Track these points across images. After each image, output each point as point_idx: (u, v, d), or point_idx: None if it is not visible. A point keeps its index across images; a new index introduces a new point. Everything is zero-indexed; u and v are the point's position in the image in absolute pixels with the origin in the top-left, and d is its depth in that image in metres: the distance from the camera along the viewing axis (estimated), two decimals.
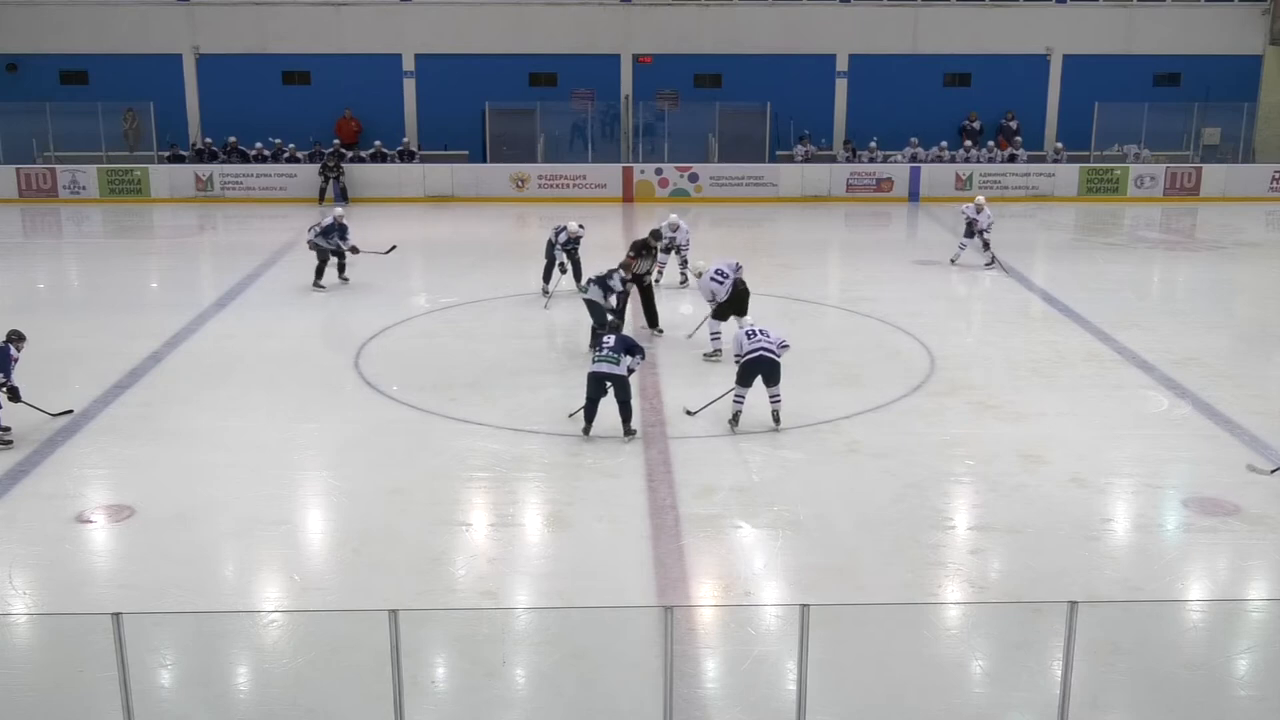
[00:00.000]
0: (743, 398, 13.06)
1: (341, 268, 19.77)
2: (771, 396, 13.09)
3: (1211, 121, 30.04)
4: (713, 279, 15.71)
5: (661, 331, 16.85)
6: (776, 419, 13.08)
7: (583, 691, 8.37)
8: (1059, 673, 7.41)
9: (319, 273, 19.59)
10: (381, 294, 19.39)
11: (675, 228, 19.51)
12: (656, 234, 17.95)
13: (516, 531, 11.07)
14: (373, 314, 17.83)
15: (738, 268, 15.89)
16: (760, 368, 12.99)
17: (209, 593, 9.76)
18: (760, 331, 13.18)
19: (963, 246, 21.38)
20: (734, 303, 15.52)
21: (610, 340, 12.80)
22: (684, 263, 19.39)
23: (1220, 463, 12.46)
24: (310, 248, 19.54)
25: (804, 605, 7.21)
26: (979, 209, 21.16)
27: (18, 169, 28.28)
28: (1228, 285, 21.65)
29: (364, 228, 26.32)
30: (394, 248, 20.72)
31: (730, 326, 14.64)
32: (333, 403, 14.26)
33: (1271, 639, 9.27)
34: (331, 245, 19.48)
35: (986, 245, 21.17)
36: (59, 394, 14.14)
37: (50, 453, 12.57)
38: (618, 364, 12.62)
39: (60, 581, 10.05)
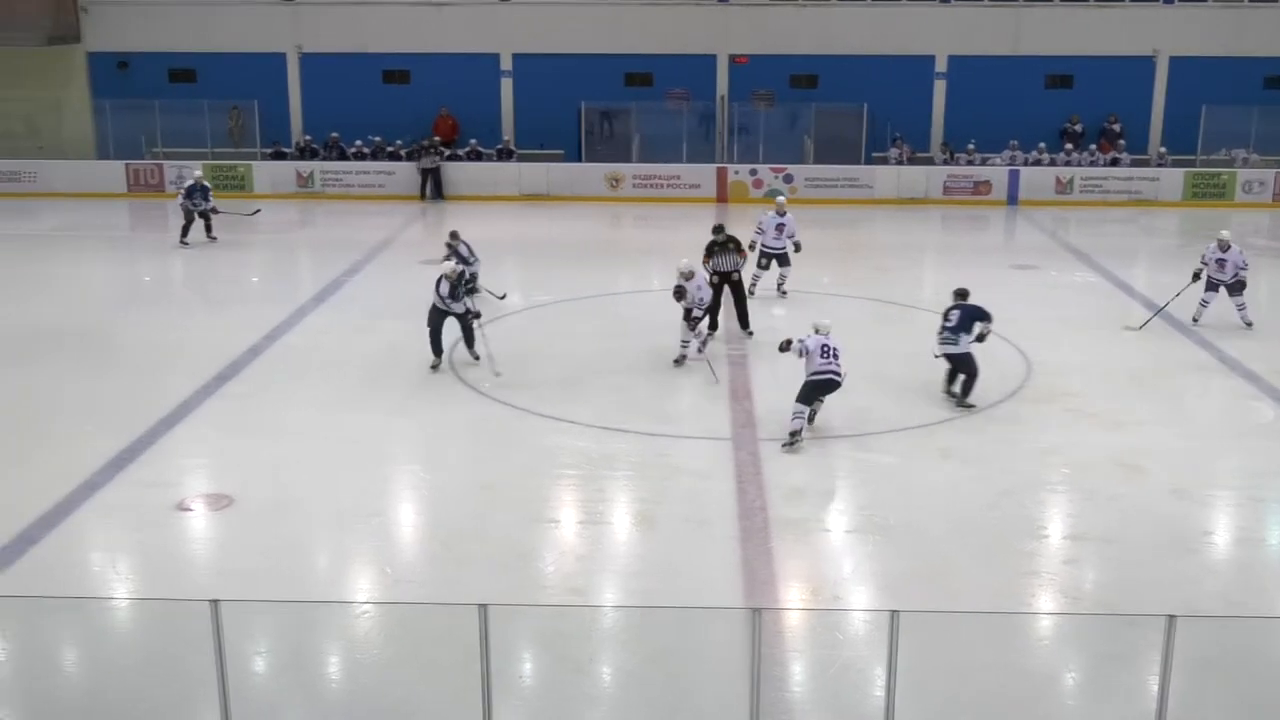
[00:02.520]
0: (803, 414, 12.72)
1: (208, 227, 22.61)
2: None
3: None
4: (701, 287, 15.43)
5: (752, 333, 16.78)
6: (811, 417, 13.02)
7: (668, 691, 8.37)
8: (1154, 688, 7.25)
9: (184, 230, 22.48)
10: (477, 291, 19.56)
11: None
12: (719, 228, 17.57)
13: (604, 529, 11.12)
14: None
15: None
16: (825, 390, 12.87)
17: (303, 582, 9.95)
18: (834, 352, 12.78)
19: (1205, 303, 17.43)
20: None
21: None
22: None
23: None
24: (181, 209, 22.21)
25: (894, 611, 7.14)
26: (1224, 247, 17.15)
27: (126, 164, 29.08)
28: None
29: (460, 225, 26.66)
30: (258, 210, 22.73)
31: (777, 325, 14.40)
32: (426, 398, 14.45)
33: None
34: (196, 206, 22.28)
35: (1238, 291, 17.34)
36: (159, 386, 14.54)
37: (152, 441, 12.90)
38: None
39: (160, 568, 10.32)
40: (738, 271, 16.99)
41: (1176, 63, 29.73)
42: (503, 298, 18.04)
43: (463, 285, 15.53)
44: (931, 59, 29.98)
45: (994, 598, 9.69)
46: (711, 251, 16.90)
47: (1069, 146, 29.17)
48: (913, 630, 7.33)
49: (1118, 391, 14.63)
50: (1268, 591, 10.00)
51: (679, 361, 15.41)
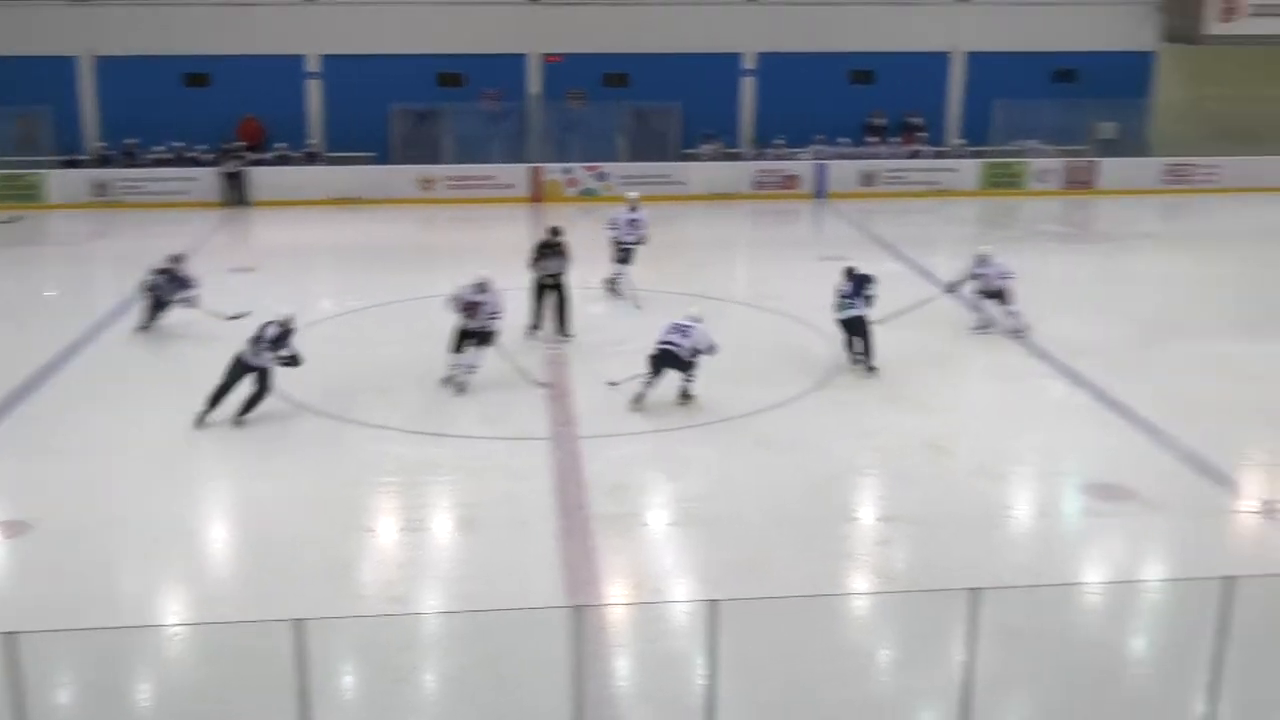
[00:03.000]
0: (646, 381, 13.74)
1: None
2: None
3: (1107, 117, 30.70)
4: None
5: (572, 336, 16.77)
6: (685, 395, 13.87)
7: (493, 695, 8.33)
8: (962, 658, 7.53)
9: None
10: (287, 299, 19.06)
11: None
12: (556, 230, 17.66)
13: (424, 536, 11.00)
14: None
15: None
16: (664, 362, 13.60)
17: (110, 608, 9.55)
18: (680, 328, 13.72)
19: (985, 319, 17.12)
20: None
21: None
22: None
23: (1117, 450, 12.77)
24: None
25: (712, 601, 7.25)
26: (983, 261, 17.14)
27: None
28: (1123, 276, 22.14)
29: (266, 231, 26.04)
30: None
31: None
32: (235, 410, 14.00)
33: (1167, 618, 9.52)
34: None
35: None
36: None
37: None
38: None
39: None
40: (561, 274, 16.94)
41: (971, 58, 30.95)
42: (235, 318, 15.98)
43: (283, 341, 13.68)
44: (739, 56, 30.53)
45: (812, 582, 9.92)
46: (539, 254, 16.84)
47: (872, 140, 30.08)
48: (734, 619, 7.45)
49: (924, 376, 15.15)
50: (1066, 561, 10.50)
51: (450, 381, 14.48)
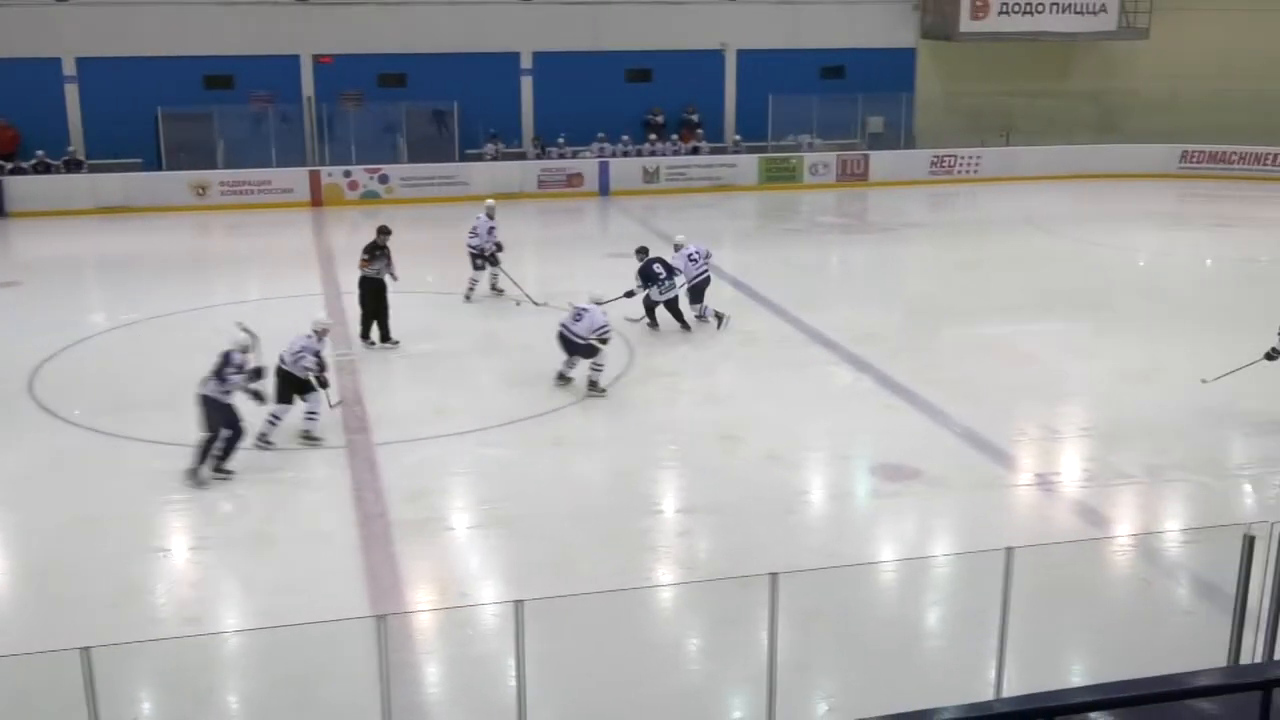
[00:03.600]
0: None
1: None
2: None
3: (875, 111, 31.96)
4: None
5: (397, 343, 16.34)
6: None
7: (299, 713, 8.13)
8: (766, 642, 7.73)
9: None
10: (55, 314, 18.15)
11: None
12: (385, 230, 17.20)
13: (219, 553, 10.63)
14: (47, 335, 16.61)
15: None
16: (565, 346, 14.37)
17: None
18: (581, 312, 14.34)
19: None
20: None
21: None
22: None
23: (901, 431, 13.31)
24: None
25: (518, 601, 7.24)
26: (677, 248, 17.38)
27: None
28: (898, 264, 23.13)
29: (28, 242, 24.66)
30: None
31: None
32: (6, 432, 13.25)
33: (955, 590, 9.98)
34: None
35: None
36: None
37: None
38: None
39: None
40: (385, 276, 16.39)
41: (744, 56, 31.73)
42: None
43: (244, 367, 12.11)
44: (517, 56, 30.51)
45: (617, 577, 10.00)
46: (373, 255, 16.30)
47: (652, 137, 30.51)
48: (540, 618, 7.46)
49: (711, 368, 15.49)
50: (859, 541, 10.89)
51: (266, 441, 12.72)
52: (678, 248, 17.36)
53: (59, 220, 25.78)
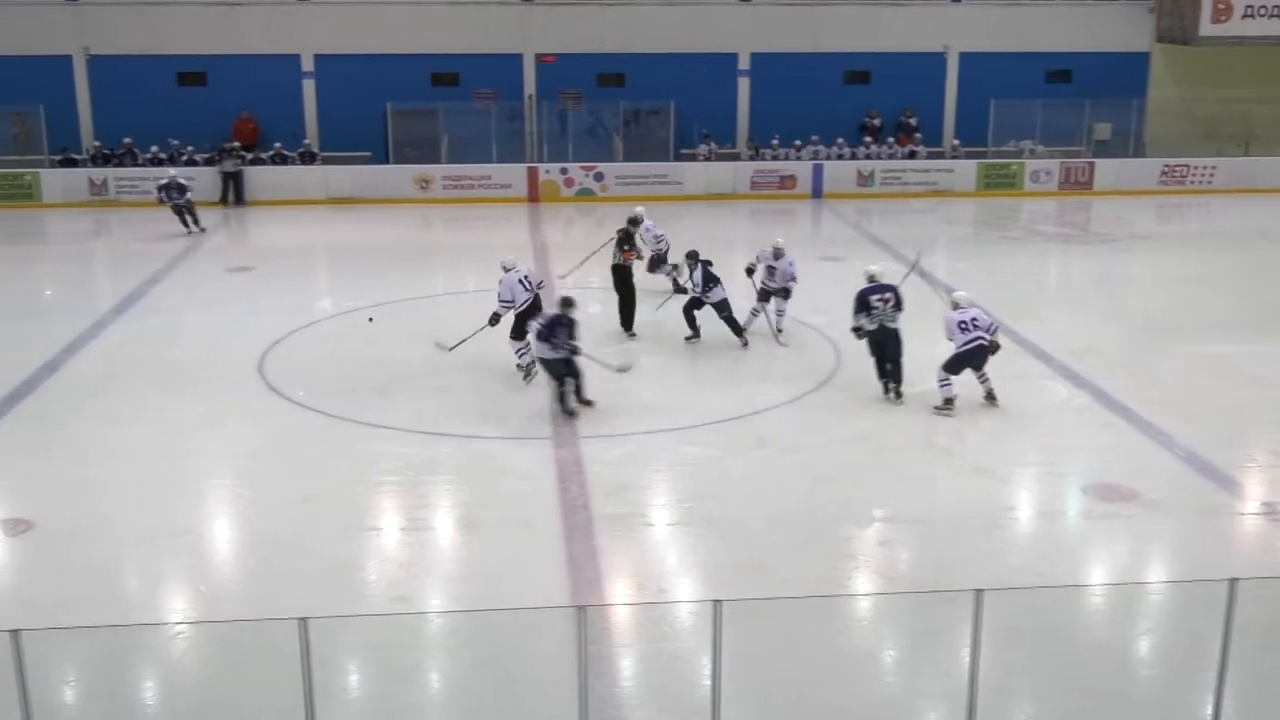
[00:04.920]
0: (947, 382, 13.71)
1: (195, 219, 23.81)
2: (980, 377, 13.83)
3: (1102, 117, 30.76)
4: (521, 282, 14.84)
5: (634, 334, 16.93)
6: (992, 396, 13.88)
7: (497, 695, 8.33)
8: (966, 660, 7.54)
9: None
10: (286, 298, 19.09)
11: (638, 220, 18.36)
12: (636, 220, 17.68)
13: (427, 535, 10.99)
14: (277, 319, 17.52)
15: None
16: (972, 359, 13.67)
17: (113, 606, 9.53)
18: (974, 323, 13.61)
19: (755, 313, 16.71)
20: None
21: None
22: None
23: (1118, 450, 12.78)
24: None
25: (716, 601, 7.25)
26: (777, 255, 16.55)
27: None
28: (1121, 277, 22.22)
29: (264, 230, 26.01)
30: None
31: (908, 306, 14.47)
32: (237, 410, 14.00)
33: (1169, 619, 9.54)
34: (171, 200, 23.51)
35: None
36: None
37: None
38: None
39: None
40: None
41: (966, 58, 31.00)
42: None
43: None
44: (735, 56, 30.55)
45: (814, 582, 9.92)
46: (632, 244, 17.11)
47: (868, 140, 30.12)
48: (737, 619, 7.46)
49: (923, 375, 15.14)
50: (1068, 562, 10.51)
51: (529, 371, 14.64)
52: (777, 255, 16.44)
53: (293, 209, 27.11)
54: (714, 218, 26.91)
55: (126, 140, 28.29)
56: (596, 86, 30.15)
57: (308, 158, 28.83)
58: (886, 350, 14.03)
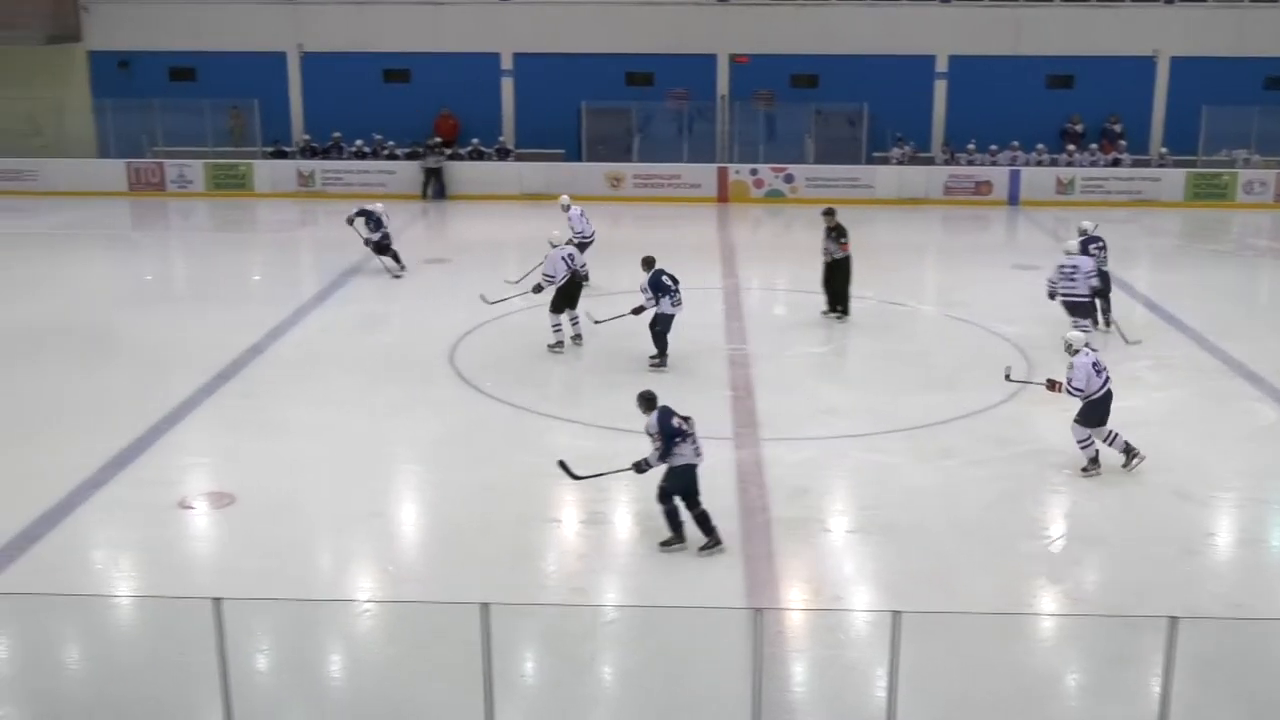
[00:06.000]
0: (1090, 440, 12.00)
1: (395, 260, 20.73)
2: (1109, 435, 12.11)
3: None
4: (564, 260, 16.01)
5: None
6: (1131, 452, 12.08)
7: (670, 690, 8.37)
8: (1157, 689, 7.24)
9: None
10: (478, 290, 19.52)
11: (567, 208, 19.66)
12: (831, 211, 17.97)
13: (606, 529, 11.12)
14: (468, 310, 17.95)
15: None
16: (1108, 405, 12.01)
17: (304, 580, 9.93)
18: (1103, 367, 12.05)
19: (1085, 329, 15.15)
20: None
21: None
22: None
23: None
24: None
25: (896, 612, 7.13)
26: (1083, 244, 16.56)
27: (128, 163, 29.09)
28: None
29: (461, 224, 26.70)
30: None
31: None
32: (427, 397, 14.43)
33: None
34: (371, 237, 20.42)
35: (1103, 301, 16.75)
36: (161, 385, 14.56)
37: (154, 440, 12.90)
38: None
39: (162, 565, 10.31)
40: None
41: (1177, 63, 29.71)
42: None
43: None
44: (932, 59, 29.97)
45: (995, 598, 9.68)
46: (839, 237, 17.47)
47: (1070, 147, 29.15)
48: (914, 631, 7.32)
49: (1120, 391, 14.57)
50: (1270, 593, 9.99)
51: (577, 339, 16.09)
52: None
53: (488, 204, 27.77)
54: (905, 223, 26.47)
55: (335, 134, 29.44)
56: (789, 87, 29.98)
57: (503, 154, 29.49)
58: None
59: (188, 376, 14.82)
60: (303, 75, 30.61)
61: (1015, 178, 28.15)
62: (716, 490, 11.55)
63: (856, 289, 17.91)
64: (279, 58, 30.43)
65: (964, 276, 21.39)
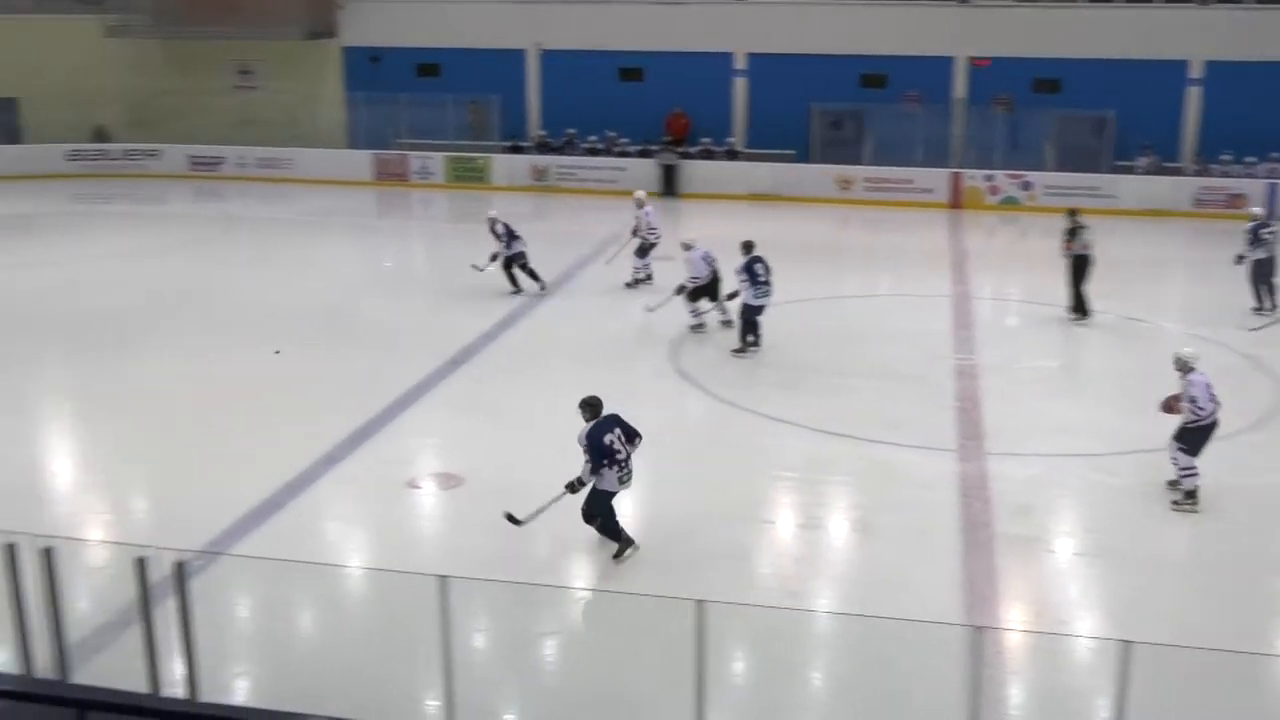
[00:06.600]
0: (1194, 470, 11.18)
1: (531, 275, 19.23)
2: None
3: None
4: (704, 260, 16.68)
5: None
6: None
7: (882, 703, 8.24)
8: None
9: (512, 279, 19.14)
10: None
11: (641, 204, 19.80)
12: (1074, 211, 18.16)
13: (822, 534, 11.03)
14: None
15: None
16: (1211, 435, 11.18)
17: (525, 563, 10.16)
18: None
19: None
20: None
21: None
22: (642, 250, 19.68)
23: None
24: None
25: (1125, 641, 6.83)
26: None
27: (374, 154, 30.47)
28: None
29: (688, 222, 26.88)
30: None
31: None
32: (650, 390, 14.60)
33: None
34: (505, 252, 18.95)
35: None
36: (397, 367, 15.17)
37: (389, 420, 13.46)
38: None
39: (390, 540, 10.74)
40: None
41: None
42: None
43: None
44: (1184, 64, 28.51)
45: (1229, 637, 9.14)
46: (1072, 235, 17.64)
47: None
48: (1145, 663, 6.98)
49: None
50: None
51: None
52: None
53: (715, 203, 27.86)
54: (1148, 235, 25.30)
55: (569, 131, 30.09)
56: (1030, 92, 29.02)
57: (731, 154, 29.56)
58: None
59: (422, 360, 15.41)
60: (541, 72, 31.39)
61: (1274, 190, 26.54)
62: (938, 503, 11.34)
63: (1096, 303, 17.28)
64: (518, 55, 31.29)
65: (1211, 294, 20.29)
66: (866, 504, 11.45)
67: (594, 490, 10.16)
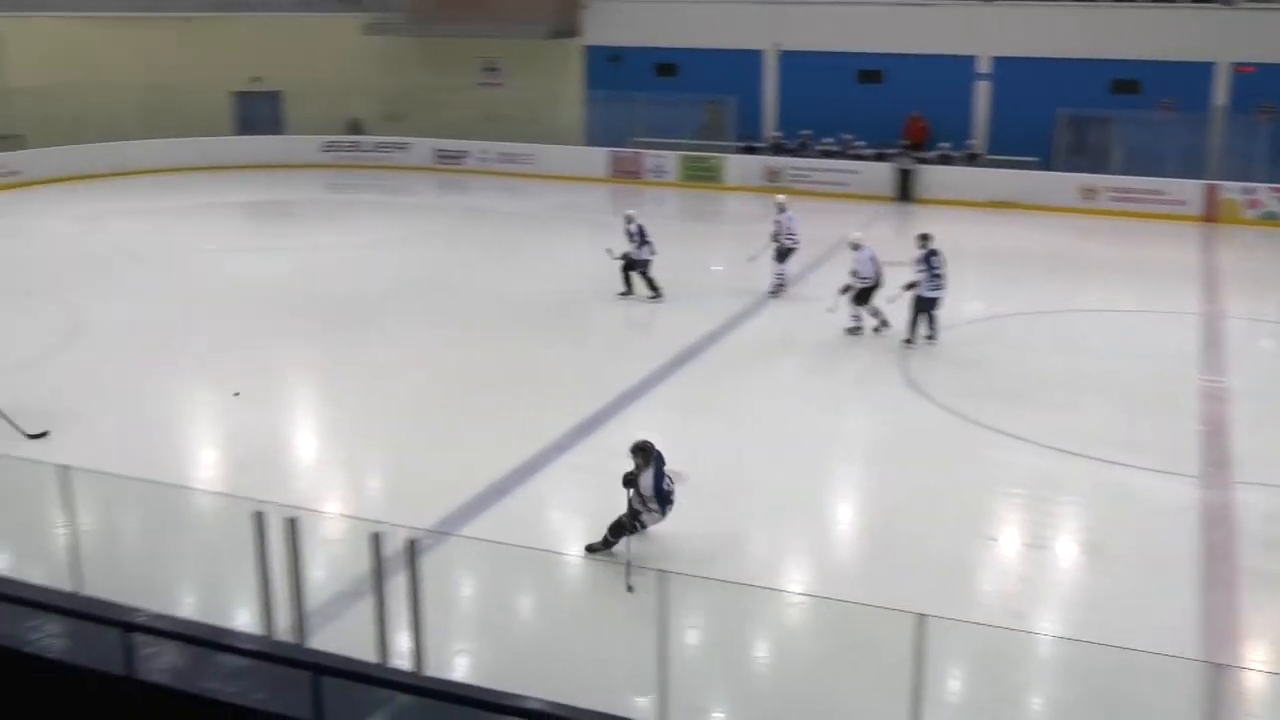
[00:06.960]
0: None
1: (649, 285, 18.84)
2: None
3: None
4: (871, 260, 16.44)
5: None
6: None
7: None
8: None
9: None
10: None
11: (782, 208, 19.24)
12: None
13: (1048, 555, 10.66)
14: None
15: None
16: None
17: (740, 563, 10.17)
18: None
19: None
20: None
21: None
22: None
23: None
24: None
25: None
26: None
27: (611, 151, 31.01)
28: None
29: (925, 228, 26.35)
30: None
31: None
32: (873, 398, 14.42)
33: None
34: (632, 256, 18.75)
35: None
36: (625, 362, 15.37)
37: (615, 413, 13.69)
38: None
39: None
40: None
41: None
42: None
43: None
44: None
45: None
46: None
47: None
48: None
49: None
50: None
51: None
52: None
53: (952, 209, 27.22)
54: None
55: (804, 132, 29.93)
56: None
57: (971, 159, 28.84)
58: None
59: (650, 357, 15.61)
60: (779, 73, 31.32)
61: None
62: (1176, 531, 10.81)
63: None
64: (756, 56, 31.30)
65: None
66: (1097, 527, 11.01)
67: (630, 520, 9.95)
